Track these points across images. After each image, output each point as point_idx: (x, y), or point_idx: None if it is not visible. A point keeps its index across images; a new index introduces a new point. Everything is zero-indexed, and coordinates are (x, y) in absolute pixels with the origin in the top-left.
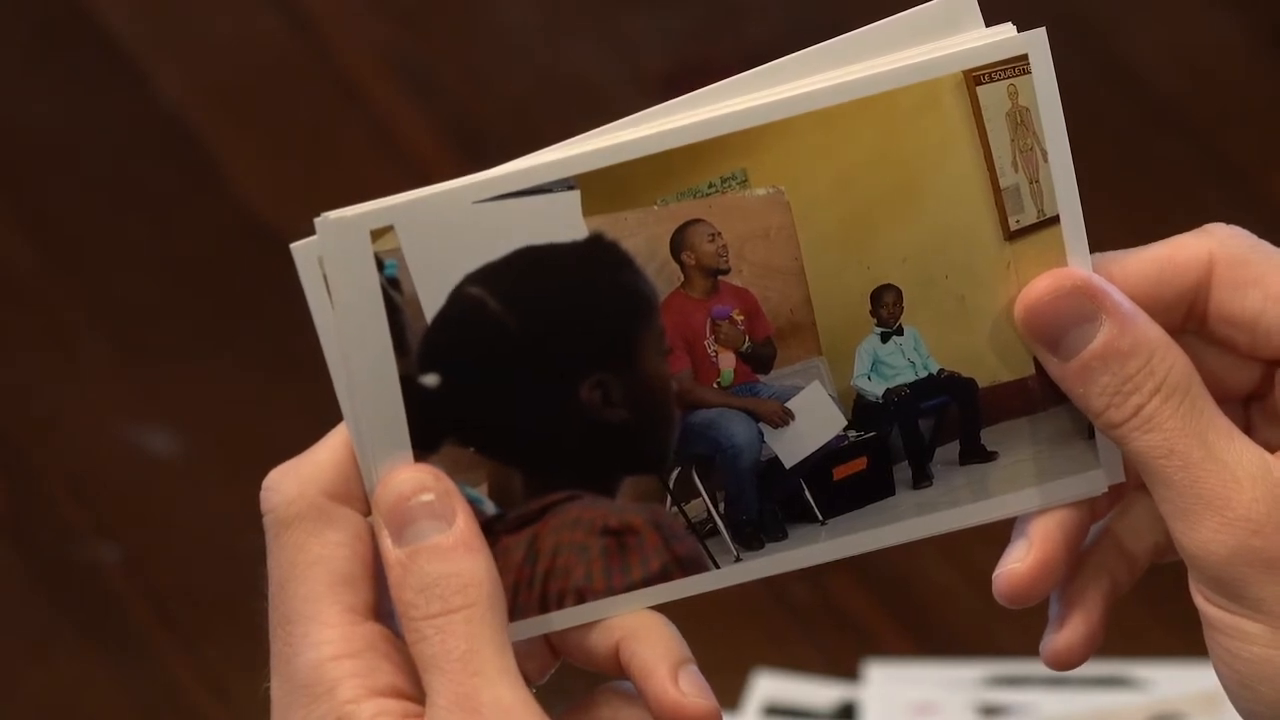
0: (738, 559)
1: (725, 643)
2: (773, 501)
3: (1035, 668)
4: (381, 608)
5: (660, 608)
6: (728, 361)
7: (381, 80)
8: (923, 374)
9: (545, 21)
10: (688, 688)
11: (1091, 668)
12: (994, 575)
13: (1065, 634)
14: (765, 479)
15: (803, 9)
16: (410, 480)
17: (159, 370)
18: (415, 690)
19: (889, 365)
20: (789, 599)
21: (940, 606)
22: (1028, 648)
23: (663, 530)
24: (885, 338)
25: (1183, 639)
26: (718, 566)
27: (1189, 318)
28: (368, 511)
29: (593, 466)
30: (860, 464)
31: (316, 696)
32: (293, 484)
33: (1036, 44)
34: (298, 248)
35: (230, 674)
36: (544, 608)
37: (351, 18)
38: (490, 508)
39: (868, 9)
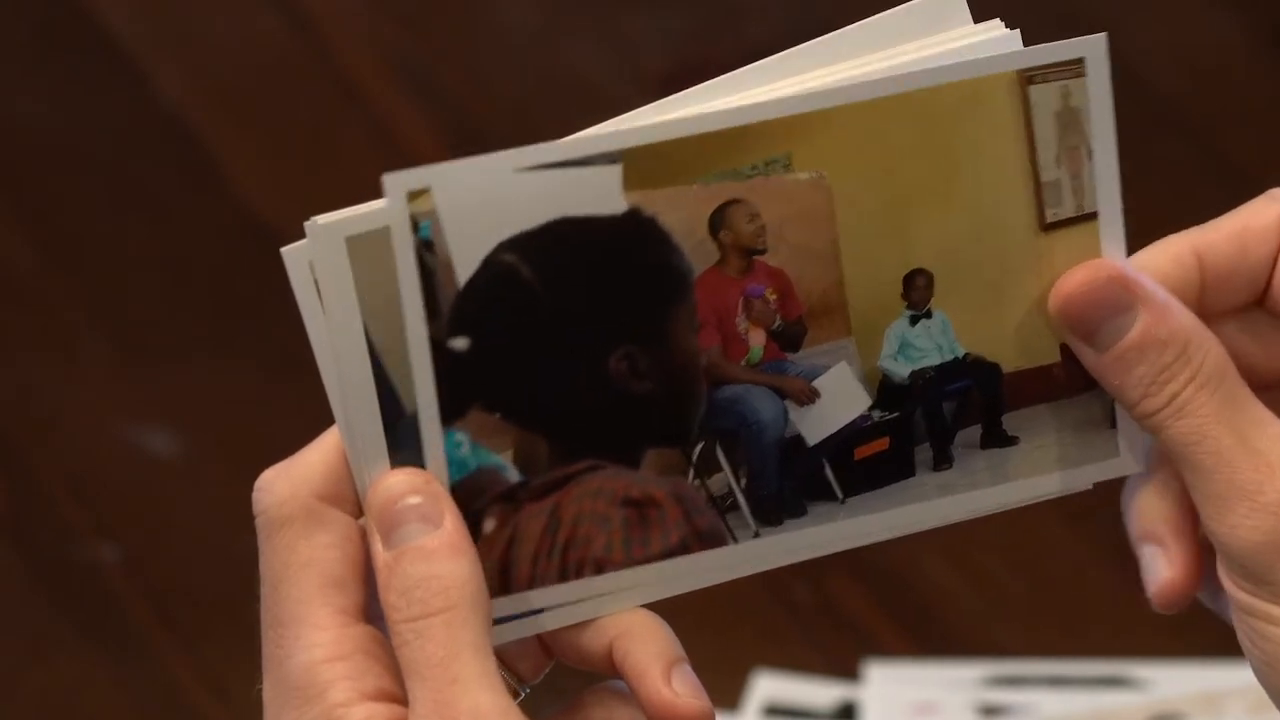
0: (756, 534)
1: (724, 642)
2: (794, 478)
3: (1035, 668)
4: (373, 610)
5: (657, 606)
6: (758, 339)
7: (381, 80)
8: (948, 357)
9: (545, 21)
10: (681, 687)
11: (1091, 668)
12: (1150, 595)
13: (1175, 570)
14: (788, 455)
15: (802, 9)
16: (400, 483)
17: (159, 370)
18: (405, 693)
19: (915, 348)
20: (788, 598)
21: (940, 606)
22: (1028, 648)
23: (684, 503)
24: (914, 320)
25: (1183, 639)
26: (736, 541)
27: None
28: (359, 513)
29: (618, 437)
30: (882, 444)
31: (308, 699)
32: (284, 486)
33: (1095, 50)
34: (288, 251)
35: (230, 674)
36: (563, 577)
37: (351, 18)
38: (514, 474)
39: (868, 10)
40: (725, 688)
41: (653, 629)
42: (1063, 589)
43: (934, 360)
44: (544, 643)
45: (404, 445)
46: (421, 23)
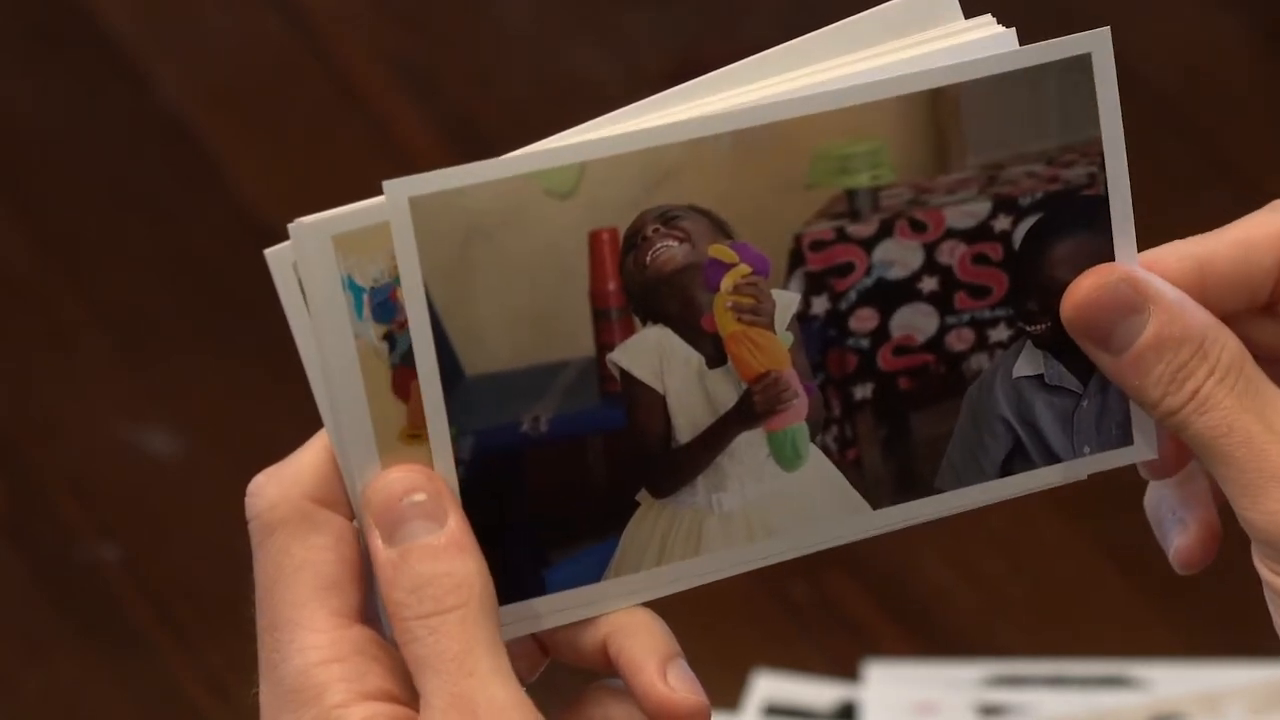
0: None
1: (725, 642)
2: None
3: (1035, 667)
4: (369, 610)
5: (657, 604)
6: None
7: (381, 80)
8: None
9: (545, 21)
10: (676, 683)
11: (1091, 668)
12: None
13: (1192, 537)
14: None
15: (801, 8)
16: (401, 480)
17: (159, 370)
18: (405, 692)
19: None
20: (788, 598)
21: (940, 606)
22: (1028, 648)
23: None
24: None
25: (1184, 639)
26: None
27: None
28: (351, 515)
29: None
30: None
31: (305, 702)
32: (276, 488)
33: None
34: (272, 254)
35: (230, 674)
36: None
37: (351, 17)
38: None
39: (866, 9)
40: (725, 688)
41: (648, 625)
42: (1063, 589)
43: None
44: (540, 641)
45: None
46: (421, 23)
